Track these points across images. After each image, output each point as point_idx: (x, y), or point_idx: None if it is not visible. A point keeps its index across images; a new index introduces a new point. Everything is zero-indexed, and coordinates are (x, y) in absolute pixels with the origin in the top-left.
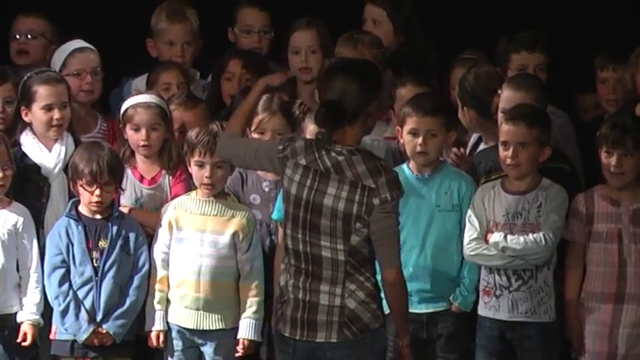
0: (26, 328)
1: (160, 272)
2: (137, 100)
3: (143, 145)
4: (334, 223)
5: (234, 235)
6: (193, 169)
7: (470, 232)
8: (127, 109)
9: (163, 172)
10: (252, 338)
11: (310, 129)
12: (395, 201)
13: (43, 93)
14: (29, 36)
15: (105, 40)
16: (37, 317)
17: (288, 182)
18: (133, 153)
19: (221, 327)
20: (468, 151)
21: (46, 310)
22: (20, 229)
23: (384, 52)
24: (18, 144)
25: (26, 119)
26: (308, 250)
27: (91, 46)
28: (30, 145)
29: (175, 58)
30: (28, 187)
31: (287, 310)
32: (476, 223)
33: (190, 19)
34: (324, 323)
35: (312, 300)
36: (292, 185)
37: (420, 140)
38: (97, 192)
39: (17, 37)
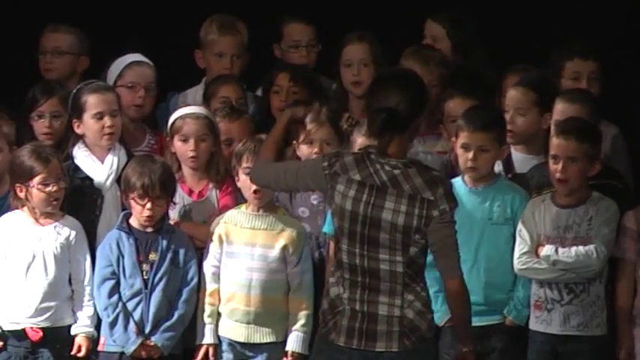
0: (80, 341)
1: (211, 286)
2: (185, 111)
3: (191, 157)
4: (393, 237)
5: (284, 248)
6: (241, 179)
7: (520, 246)
8: (176, 120)
9: (211, 185)
10: (300, 351)
11: (359, 142)
12: (452, 211)
13: (92, 102)
14: (55, 53)
15: (150, 55)
16: (91, 330)
17: (342, 198)
18: (180, 167)
19: (271, 340)
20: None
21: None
22: (73, 243)
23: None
24: (70, 157)
25: (78, 131)
26: (365, 263)
27: (149, 62)
28: (82, 158)
29: (224, 70)
30: (81, 200)
31: (342, 320)
32: (526, 236)
33: (241, 31)
34: (384, 333)
35: (371, 311)
36: (347, 201)
37: (470, 155)
38: (149, 205)
39: (43, 54)
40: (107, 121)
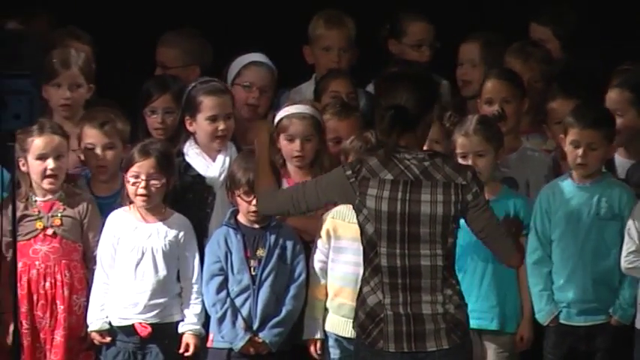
0: (188, 339)
1: (319, 281)
2: (292, 110)
3: (297, 156)
4: (433, 229)
5: None
6: None
7: (628, 245)
8: (282, 119)
9: None
10: None
11: (459, 141)
12: (483, 192)
13: (208, 104)
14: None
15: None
16: (199, 327)
17: (376, 201)
18: (284, 162)
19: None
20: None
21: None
22: (182, 241)
23: (553, 68)
24: (181, 154)
25: (190, 129)
26: (406, 263)
27: (269, 63)
28: (193, 155)
29: (332, 64)
30: (192, 198)
31: (387, 327)
32: (635, 235)
33: (347, 25)
34: (432, 332)
35: (415, 312)
36: (382, 202)
37: (580, 152)
38: (255, 202)
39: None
40: (221, 124)
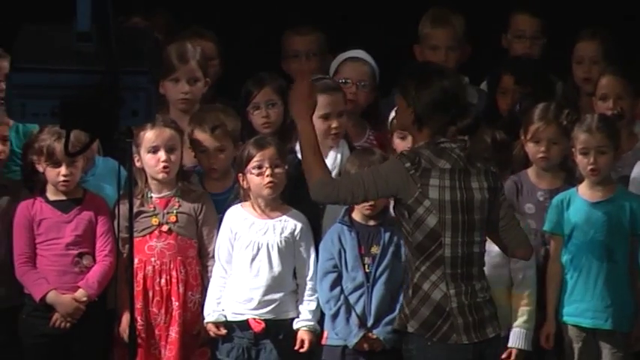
0: (303, 335)
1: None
2: None
3: None
4: (483, 215)
5: None
6: None
7: None
8: (393, 119)
9: None
10: (523, 347)
11: (580, 139)
12: None
13: (321, 102)
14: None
15: (370, 51)
16: (313, 324)
17: (440, 191)
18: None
19: (494, 335)
20: None
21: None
22: (298, 237)
23: None
24: (293, 152)
25: None
26: (465, 251)
27: (366, 58)
28: None
29: (439, 63)
30: (306, 195)
31: (457, 319)
32: None
33: (455, 24)
34: (490, 318)
35: (474, 300)
36: (445, 192)
37: None
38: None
39: (296, 56)
40: (334, 122)
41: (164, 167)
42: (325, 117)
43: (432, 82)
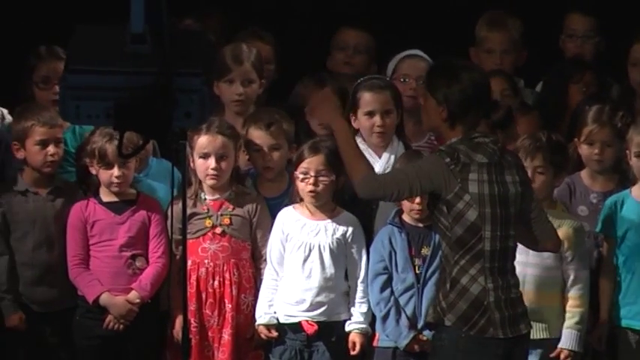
0: (355, 337)
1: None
2: None
3: None
4: (518, 209)
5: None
6: None
7: None
8: None
9: None
10: (574, 349)
11: (635, 141)
12: None
13: (365, 99)
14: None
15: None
16: (365, 326)
17: (479, 185)
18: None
19: (546, 336)
20: None
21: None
22: (350, 239)
23: None
24: None
25: (354, 125)
26: (502, 245)
27: (423, 55)
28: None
29: (494, 66)
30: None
31: (494, 314)
32: None
33: (510, 27)
34: (522, 315)
35: (509, 296)
36: (484, 186)
37: None
38: (418, 199)
39: (344, 48)
40: (377, 120)
41: (213, 175)
42: (370, 114)
43: (462, 78)
